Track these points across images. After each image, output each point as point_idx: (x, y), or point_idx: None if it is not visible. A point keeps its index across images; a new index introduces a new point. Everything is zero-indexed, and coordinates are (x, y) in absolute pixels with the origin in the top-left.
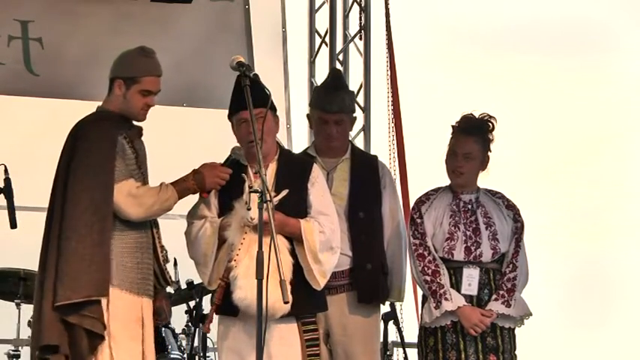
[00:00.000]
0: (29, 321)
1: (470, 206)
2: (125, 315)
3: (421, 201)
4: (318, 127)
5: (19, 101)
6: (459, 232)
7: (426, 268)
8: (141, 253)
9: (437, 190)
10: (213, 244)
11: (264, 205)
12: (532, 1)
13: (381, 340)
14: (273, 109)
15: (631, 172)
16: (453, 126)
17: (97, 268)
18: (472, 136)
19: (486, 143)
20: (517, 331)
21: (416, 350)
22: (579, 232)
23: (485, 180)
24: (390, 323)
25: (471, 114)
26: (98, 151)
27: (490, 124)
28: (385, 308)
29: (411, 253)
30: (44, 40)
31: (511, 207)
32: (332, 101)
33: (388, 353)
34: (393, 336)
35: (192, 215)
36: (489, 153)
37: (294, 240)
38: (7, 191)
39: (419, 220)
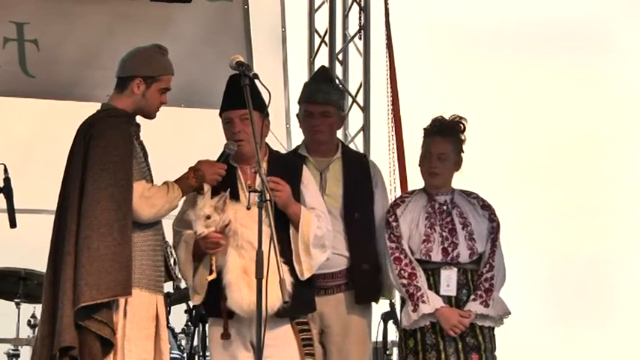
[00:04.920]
0: (29, 320)
1: (445, 207)
2: (142, 314)
3: (396, 204)
4: (304, 121)
5: (14, 103)
6: (436, 234)
7: (402, 272)
8: (156, 250)
9: (412, 193)
10: (189, 267)
11: (264, 204)
12: (532, 2)
13: (381, 339)
14: (261, 110)
15: (631, 171)
16: (425, 129)
17: (120, 267)
18: (445, 137)
19: (459, 144)
20: (514, 330)
21: None
22: (579, 232)
23: (485, 179)
24: (390, 323)
25: (441, 116)
26: (116, 150)
27: (462, 125)
28: (385, 308)
29: (387, 256)
30: (40, 42)
31: (486, 207)
32: (317, 92)
33: (388, 353)
34: (392, 336)
35: (179, 223)
36: (462, 154)
37: (291, 225)
38: (7, 190)
39: (394, 224)
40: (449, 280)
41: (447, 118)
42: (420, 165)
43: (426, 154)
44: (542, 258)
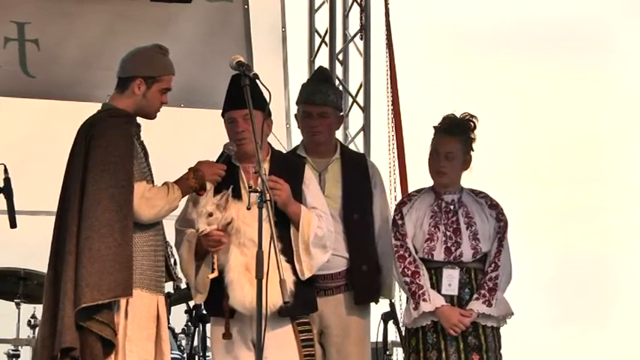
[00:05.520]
0: (29, 321)
1: (452, 206)
2: (143, 314)
3: (403, 202)
4: (303, 122)
5: (14, 103)
6: (439, 233)
7: (406, 270)
8: (157, 251)
9: (419, 191)
10: (191, 266)
11: (264, 204)
12: (532, 2)
13: (381, 340)
14: (263, 109)
15: (631, 171)
16: (434, 127)
17: (121, 268)
18: (454, 136)
19: (468, 142)
20: (515, 329)
21: None
22: (580, 232)
23: (485, 179)
24: (390, 323)
25: (452, 114)
26: (116, 150)
27: (472, 123)
28: (385, 308)
29: (392, 254)
30: (40, 42)
31: (494, 206)
32: (315, 93)
33: (388, 353)
34: (392, 336)
35: (182, 222)
36: (472, 152)
37: (292, 224)
38: (7, 191)
39: (400, 222)
40: (451, 279)
41: (457, 115)
42: (428, 164)
43: (433, 152)
44: (542, 258)
